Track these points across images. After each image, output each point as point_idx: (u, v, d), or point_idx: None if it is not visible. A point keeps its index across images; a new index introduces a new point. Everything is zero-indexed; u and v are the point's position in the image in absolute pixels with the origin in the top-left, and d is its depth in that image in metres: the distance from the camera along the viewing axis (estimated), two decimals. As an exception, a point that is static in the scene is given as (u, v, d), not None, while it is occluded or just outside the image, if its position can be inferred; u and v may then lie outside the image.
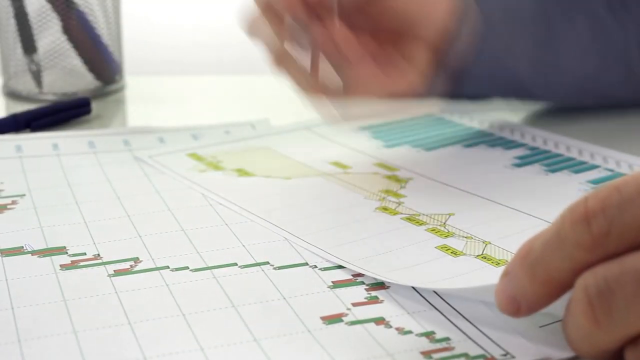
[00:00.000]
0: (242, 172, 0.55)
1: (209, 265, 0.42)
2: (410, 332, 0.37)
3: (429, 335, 0.36)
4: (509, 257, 0.43)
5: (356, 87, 0.52)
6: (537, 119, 0.66)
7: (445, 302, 0.39)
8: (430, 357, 0.35)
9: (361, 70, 0.51)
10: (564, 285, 0.32)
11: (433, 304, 0.39)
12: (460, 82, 0.58)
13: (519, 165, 0.56)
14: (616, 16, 0.62)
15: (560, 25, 0.60)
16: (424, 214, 0.48)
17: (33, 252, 0.44)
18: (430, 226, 0.47)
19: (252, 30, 0.53)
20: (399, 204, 0.50)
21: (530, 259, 0.32)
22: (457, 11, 0.55)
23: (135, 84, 0.76)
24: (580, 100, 0.65)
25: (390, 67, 0.53)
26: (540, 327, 0.36)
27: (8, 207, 0.49)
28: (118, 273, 0.41)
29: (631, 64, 0.63)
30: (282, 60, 0.54)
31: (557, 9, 0.60)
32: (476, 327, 0.37)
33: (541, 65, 0.61)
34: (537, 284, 0.32)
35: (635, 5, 0.62)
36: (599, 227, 0.31)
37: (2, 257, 0.43)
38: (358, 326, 0.37)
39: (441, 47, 0.56)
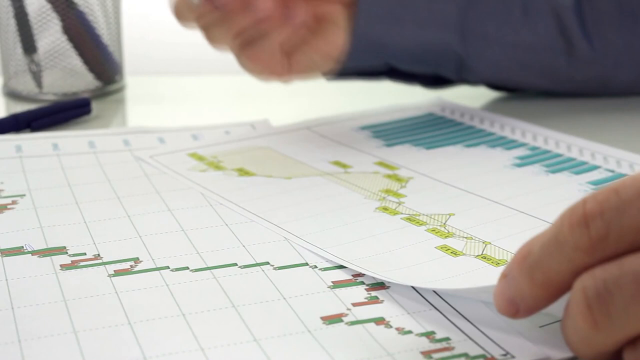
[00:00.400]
0: (242, 172, 0.55)
1: (209, 266, 0.42)
2: (410, 332, 0.37)
3: (429, 335, 0.36)
4: (508, 258, 0.43)
5: (297, 57, 0.52)
6: (536, 117, 0.66)
7: (446, 302, 0.39)
8: (431, 357, 0.35)
9: (299, 38, 0.51)
10: (563, 288, 0.32)
11: (433, 304, 0.39)
12: (372, 48, 0.57)
13: (519, 165, 0.56)
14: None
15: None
16: (424, 214, 0.48)
17: (33, 252, 0.44)
18: (431, 226, 0.47)
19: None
20: (400, 203, 0.50)
21: (529, 261, 0.32)
22: None
23: (135, 84, 0.76)
24: (526, 77, 0.63)
25: (321, 31, 0.53)
26: (540, 327, 0.36)
27: (8, 207, 0.49)
28: (118, 273, 0.41)
29: (569, 33, 0.62)
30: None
31: None
32: (476, 327, 0.37)
33: (460, 32, 0.59)
34: (536, 286, 0.32)
35: None
36: (597, 230, 0.31)
37: (2, 257, 0.43)
38: (358, 326, 0.37)
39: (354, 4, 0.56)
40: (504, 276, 0.33)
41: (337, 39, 0.54)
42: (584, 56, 0.64)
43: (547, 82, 0.66)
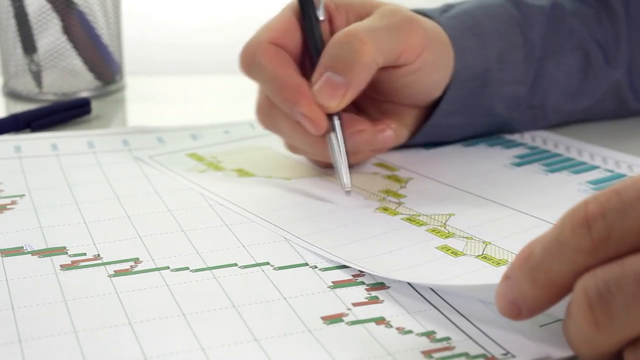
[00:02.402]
0: (242, 173, 0.55)
1: (209, 266, 0.42)
2: (410, 331, 0.37)
3: (429, 334, 0.36)
4: (509, 257, 0.43)
5: (356, 153, 0.52)
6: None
7: (446, 301, 0.39)
8: (431, 357, 0.35)
9: (361, 137, 0.51)
10: (565, 289, 0.32)
11: (433, 303, 0.39)
12: (438, 132, 0.58)
13: (518, 165, 0.56)
14: (606, 56, 0.62)
15: (549, 66, 0.60)
16: (424, 215, 0.48)
17: (33, 253, 0.44)
18: (431, 227, 0.47)
19: (267, 122, 0.53)
20: (399, 204, 0.50)
21: (531, 263, 0.33)
22: (451, 78, 0.55)
23: (135, 84, 0.76)
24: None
25: (382, 128, 0.53)
26: (541, 326, 0.36)
27: (8, 207, 0.49)
28: (118, 273, 0.41)
29: (622, 99, 0.64)
30: (296, 149, 0.54)
31: (546, 50, 0.60)
32: (476, 327, 0.37)
33: (525, 106, 0.60)
34: (538, 288, 0.32)
35: (625, 44, 0.62)
36: (599, 232, 0.31)
37: (2, 257, 0.43)
38: (358, 326, 0.37)
39: (428, 106, 0.56)
40: (506, 278, 0.34)
41: (399, 138, 0.55)
42: (632, 110, 0.65)
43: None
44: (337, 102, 0.49)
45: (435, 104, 0.56)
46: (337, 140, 0.50)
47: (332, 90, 0.49)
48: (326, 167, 0.54)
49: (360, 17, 0.52)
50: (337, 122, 0.50)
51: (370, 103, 0.53)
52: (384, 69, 0.51)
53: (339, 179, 0.49)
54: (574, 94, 0.62)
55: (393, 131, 0.53)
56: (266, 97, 0.52)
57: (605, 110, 0.64)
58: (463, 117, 0.58)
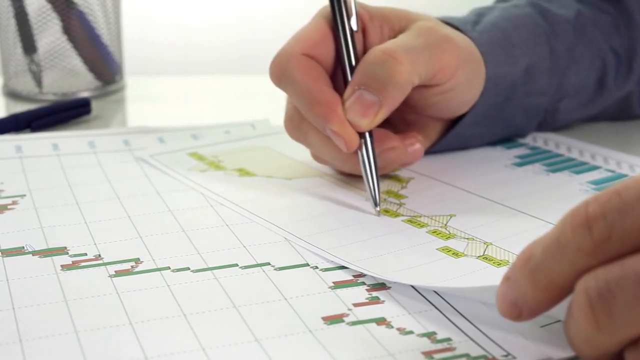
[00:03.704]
0: (243, 172, 0.55)
1: (210, 266, 0.42)
2: (411, 332, 0.37)
3: (430, 335, 0.36)
4: (510, 258, 0.43)
5: (385, 167, 0.52)
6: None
7: (447, 302, 0.39)
8: (432, 358, 0.35)
9: (392, 155, 0.51)
10: (566, 290, 0.32)
11: (434, 304, 0.39)
12: (459, 142, 0.58)
13: (519, 165, 0.56)
14: (621, 66, 0.62)
15: (568, 77, 0.59)
16: (425, 216, 0.48)
17: (34, 253, 0.44)
18: (432, 228, 0.47)
19: (295, 134, 0.52)
20: (400, 205, 0.50)
21: (531, 264, 0.33)
22: (480, 96, 0.55)
23: (135, 84, 0.76)
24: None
25: (411, 142, 0.53)
26: (542, 327, 0.36)
27: (8, 207, 0.49)
28: (119, 274, 0.41)
29: (629, 107, 0.64)
30: (323, 161, 0.54)
31: (568, 62, 0.59)
32: (477, 328, 0.37)
33: (542, 115, 0.60)
34: (539, 289, 0.32)
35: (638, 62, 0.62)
36: (600, 232, 0.31)
37: (3, 257, 0.43)
38: (359, 326, 0.37)
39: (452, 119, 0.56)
40: (507, 279, 0.33)
41: (422, 149, 0.54)
42: (635, 115, 0.66)
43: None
44: (368, 121, 0.48)
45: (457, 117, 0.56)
46: (368, 159, 0.49)
47: (364, 109, 0.48)
48: (351, 176, 0.54)
49: (395, 31, 0.52)
50: (368, 140, 0.49)
51: (395, 113, 0.51)
52: (416, 87, 0.50)
53: (370, 197, 0.49)
54: (586, 104, 0.62)
55: (421, 144, 0.53)
56: (295, 109, 0.51)
57: (609, 117, 0.65)
58: (484, 129, 0.57)
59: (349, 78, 0.50)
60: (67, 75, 0.72)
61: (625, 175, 0.54)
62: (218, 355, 0.35)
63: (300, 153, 0.58)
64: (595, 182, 0.53)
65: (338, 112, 0.48)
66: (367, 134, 0.49)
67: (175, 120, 0.66)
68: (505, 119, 0.58)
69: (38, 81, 0.71)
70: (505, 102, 0.56)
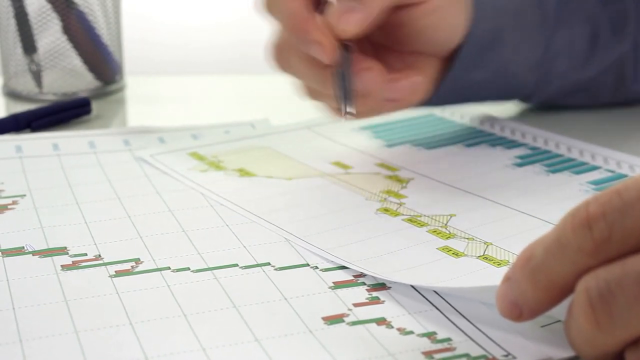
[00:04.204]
0: (243, 172, 0.55)
1: (210, 266, 0.42)
2: (411, 332, 0.37)
3: (430, 335, 0.36)
4: (510, 258, 0.43)
5: (366, 95, 0.52)
6: (537, 119, 0.66)
7: (447, 302, 0.39)
8: (432, 358, 0.35)
9: (368, 75, 0.52)
10: (566, 290, 0.32)
11: (434, 304, 0.39)
12: (459, 89, 0.59)
13: (520, 165, 0.56)
14: (614, 29, 0.62)
15: (560, 33, 0.61)
16: (425, 215, 0.48)
17: (34, 253, 0.44)
18: (432, 227, 0.47)
19: (280, 60, 0.54)
20: (400, 204, 0.50)
21: (532, 264, 0.33)
22: (470, 25, 0.56)
23: (135, 84, 0.76)
24: (565, 101, 0.66)
25: (396, 77, 0.54)
26: (542, 327, 0.36)
27: (9, 207, 0.49)
28: (119, 274, 0.41)
29: (624, 76, 0.64)
30: (315, 93, 0.55)
31: (559, 17, 0.61)
32: (477, 328, 0.37)
33: (537, 70, 0.61)
34: (539, 289, 0.32)
35: (634, 20, 0.63)
36: (600, 232, 0.31)
37: (3, 257, 0.43)
38: (359, 326, 0.37)
39: (449, 57, 0.57)
40: (507, 279, 0.33)
41: (423, 91, 0.56)
42: (630, 93, 0.66)
43: (582, 104, 0.67)
44: (353, 26, 0.50)
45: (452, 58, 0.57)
46: (343, 71, 0.50)
47: (349, 14, 0.50)
48: (339, 113, 0.54)
49: None
50: (346, 55, 0.51)
51: (393, 56, 0.53)
52: (401, 8, 0.52)
53: (340, 105, 0.50)
54: (579, 64, 0.63)
55: (411, 83, 0.54)
56: (282, 35, 0.53)
57: (604, 87, 0.65)
58: (482, 73, 0.58)
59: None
60: (67, 75, 0.72)
61: (625, 175, 0.54)
62: (218, 356, 0.35)
63: (300, 153, 0.58)
64: (595, 182, 0.53)
65: (316, 24, 0.50)
66: (345, 51, 0.50)
67: (175, 120, 0.66)
68: (501, 64, 0.59)
69: (38, 81, 0.71)
70: (498, 44, 0.58)
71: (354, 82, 0.50)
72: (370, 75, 0.52)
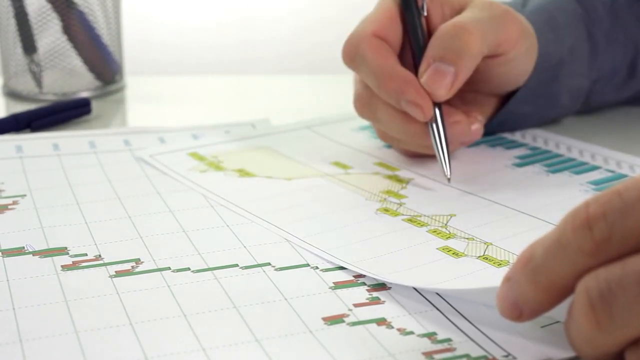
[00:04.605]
0: (243, 173, 0.55)
1: (210, 266, 0.42)
2: (412, 332, 0.37)
3: (430, 336, 0.36)
4: (510, 258, 0.43)
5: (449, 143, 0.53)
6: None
7: (447, 302, 0.39)
8: (432, 358, 0.35)
9: (457, 128, 0.54)
10: (566, 291, 0.32)
11: (435, 304, 0.39)
12: (506, 121, 0.60)
13: (519, 165, 0.56)
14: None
15: (605, 58, 0.62)
16: (425, 215, 0.48)
17: (34, 253, 0.44)
18: (432, 227, 0.47)
19: (365, 112, 0.55)
20: (400, 204, 0.50)
21: (532, 265, 0.33)
22: (533, 67, 0.57)
23: (135, 84, 0.76)
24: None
25: (472, 120, 0.55)
26: (542, 327, 0.36)
27: (9, 207, 0.49)
28: (119, 274, 0.41)
29: (636, 74, 0.65)
30: (390, 138, 0.56)
31: (606, 45, 0.62)
32: (478, 329, 0.37)
33: (581, 98, 0.62)
34: (539, 290, 0.33)
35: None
36: (600, 233, 0.31)
37: (3, 257, 0.43)
38: (360, 327, 0.37)
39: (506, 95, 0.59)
40: (507, 280, 0.34)
41: (481, 128, 0.57)
42: None
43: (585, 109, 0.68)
44: (445, 91, 0.51)
45: (510, 94, 0.58)
46: (439, 128, 0.52)
47: (441, 79, 0.51)
48: (414, 157, 0.56)
49: (455, 10, 0.55)
50: (438, 112, 0.52)
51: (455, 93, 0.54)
52: (482, 58, 0.53)
53: (441, 167, 0.52)
54: (618, 87, 0.64)
55: (480, 124, 0.56)
56: (365, 88, 0.54)
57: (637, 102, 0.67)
58: (533, 107, 0.60)
59: (418, 57, 0.53)
60: (67, 75, 0.72)
61: (625, 175, 0.54)
62: (218, 356, 0.35)
63: (301, 153, 0.58)
64: (595, 183, 0.53)
65: (413, 83, 0.51)
66: (436, 107, 0.52)
67: (175, 120, 0.66)
68: (551, 97, 0.60)
69: (38, 81, 0.71)
70: (552, 80, 0.59)
71: (446, 134, 0.52)
72: (459, 128, 0.54)
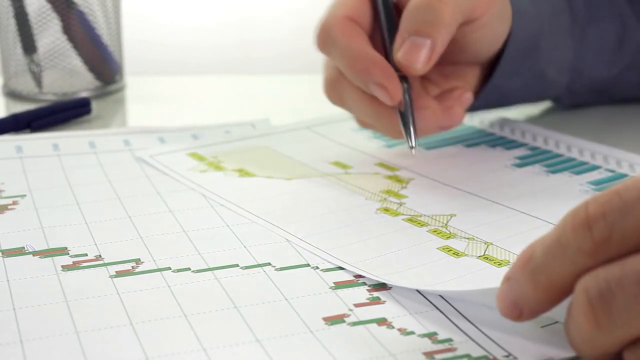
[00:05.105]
0: (243, 173, 0.55)
1: (211, 267, 0.42)
2: (412, 332, 0.37)
3: (431, 336, 0.36)
4: (510, 258, 0.43)
5: (422, 129, 0.54)
6: (537, 117, 0.66)
7: (448, 303, 0.39)
8: (433, 358, 0.35)
9: (426, 114, 0.53)
10: (566, 291, 0.32)
11: (435, 304, 0.39)
12: (497, 96, 0.60)
13: (519, 166, 0.56)
14: (639, 20, 0.63)
15: (590, 31, 0.62)
16: (425, 215, 0.48)
17: (34, 253, 0.44)
18: (432, 227, 0.47)
19: (334, 96, 0.55)
20: (400, 204, 0.50)
21: (532, 265, 0.33)
22: (510, 33, 0.56)
23: (135, 84, 0.76)
24: (593, 101, 0.66)
25: (449, 105, 0.55)
26: (542, 327, 0.36)
27: (9, 207, 0.49)
28: (120, 274, 0.41)
29: (624, 48, 0.65)
30: (366, 123, 0.56)
31: (589, 16, 0.61)
32: (478, 329, 0.37)
33: (569, 71, 0.62)
34: (539, 289, 0.33)
35: None
36: (600, 232, 0.31)
37: (3, 257, 0.43)
38: (360, 327, 0.37)
39: (486, 63, 0.58)
40: (507, 279, 0.34)
41: (461, 112, 0.56)
42: None
43: (610, 101, 0.68)
44: (423, 64, 0.51)
45: (493, 68, 0.58)
46: (406, 108, 0.51)
47: (418, 52, 0.50)
48: (396, 138, 0.56)
49: None
50: (406, 93, 0.52)
51: (433, 67, 0.53)
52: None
53: (406, 140, 0.52)
54: (609, 62, 0.63)
55: (460, 106, 0.55)
56: (336, 71, 0.54)
57: (629, 84, 0.66)
58: (520, 79, 0.59)
59: (388, 37, 0.53)
60: (67, 75, 0.72)
61: (625, 175, 0.54)
62: (219, 356, 0.35)
63: (300, 153, 0.58)
64: (595, 183, 0.53)
65: (380, 65, 0.51)
66: (405, 87, 0.51)
67: (175, 120, 0.66)
68: (537, 69, 0.59)
69: (38, 81, 0.71)
70: (535, 50, 0.58)
71: (414, 115, 0.52)
72: (428, 113, 0.53)
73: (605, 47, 0.63)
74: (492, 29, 0.55)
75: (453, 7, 0.51)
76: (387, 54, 0.53)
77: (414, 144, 0.51)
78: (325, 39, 0.52)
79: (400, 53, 0.51)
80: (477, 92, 0.58)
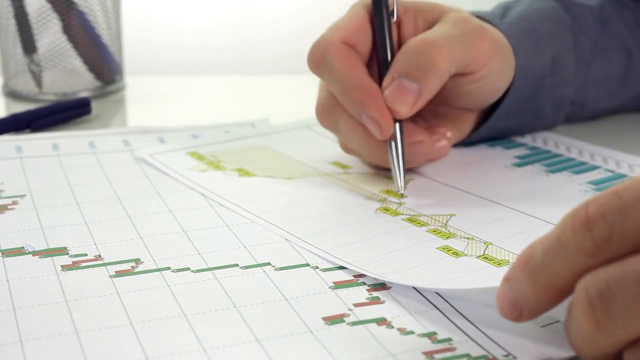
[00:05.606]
0: (242, 172, 0.55)
1: (210, 266, 0.42)
2: (412, 332, 0.37)
3: (431, 335, 0.36)
4: (510, 258, 0.43)
5: (411, 161, 0.53)
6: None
7: (447, 302, 0.39)
8: (432, 358, 0.35)
9: (419, 148, 0.53)
10: (566, 291, 0.32)
11: (435, 304, 0.39)
12: (490, 134, 0.59)
13: (519, 165, 0.56)
14: None
15: (595, 67, 0.61)
16: (425, 215, 0.48)
17: (34, 253, 0.44)
18: (432, 227, 0.47)
19: (326, 121, 0.53)
20: (400, 204, 0.50)
21: (532, 265, 0.33)
22: (512, 83, 0.56)
23: (135, 84, 0.76)
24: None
25: (437, 138, 0.54)
26: (542, 327, 0.36)
27: (9, 207, 0.49)
28: (119, 274, 0.41)
29: (628, 80, 0.64)
30: (350, 150, 0.55)
31: (594, 51, 0.61)
32: (478, 328, 0.37)
33: (568, 106, 0.61)
34: (539, 289, 0.33)
35: None
36: (600, 233, 0.31)
37: (3, 257, 0.43)
38: (360, 326, 0.37)
39: (485, 109, 0.57)
40: (507, 280, 0.34)
41: (452, 141, 0.56)
42: None
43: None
44: (407, 108, 0.49)
45: (490, 105, 0.57)
46: (397, 147, 0.50)
47: (405, 96, 0.49)
48: (378, 169, 0.55)
49: (428, 23, 0.53)
50: (398, 130, 0.50)
51: (427, 106, 0.52)
52: (451, 76, 0.51)
53: (395, 183, 0.50)
54: (613, 93, 0.63)
55: (448, 141, 0.54)
56: (330, 96, 0.52)
57: (630, 110, 0.66)
58: (516, 120, 0.59)
59: (385, 69, 0.51)
60: (67, 75, 0.72)
61: (624, 175, 0.54)
62: (219, 356, 0.35)
63: (300, 153, 0.58)
64: (595, 182, 0.53)
65: (376, 98, 0.49)
66: (397, 125, 0.50)
67: (175, 120, 0.66)
68: (534, 110, 0.59)
69: (38, 81, 0.71)
70: (535, 93, 0.58)
71: (404, 153, 0.51)
72: (420, 148, 0.52)
73: (610, 80, 0.62)
74: (490, 83, 0.54)
75: (449, 56, 0.50)
76: (381, 85, 0.51)
77: (402, 190, 0.50)
78: (320, 62, 0.51)
79: (386, 92, 0.50)
80: (471, 131, 0.58)
